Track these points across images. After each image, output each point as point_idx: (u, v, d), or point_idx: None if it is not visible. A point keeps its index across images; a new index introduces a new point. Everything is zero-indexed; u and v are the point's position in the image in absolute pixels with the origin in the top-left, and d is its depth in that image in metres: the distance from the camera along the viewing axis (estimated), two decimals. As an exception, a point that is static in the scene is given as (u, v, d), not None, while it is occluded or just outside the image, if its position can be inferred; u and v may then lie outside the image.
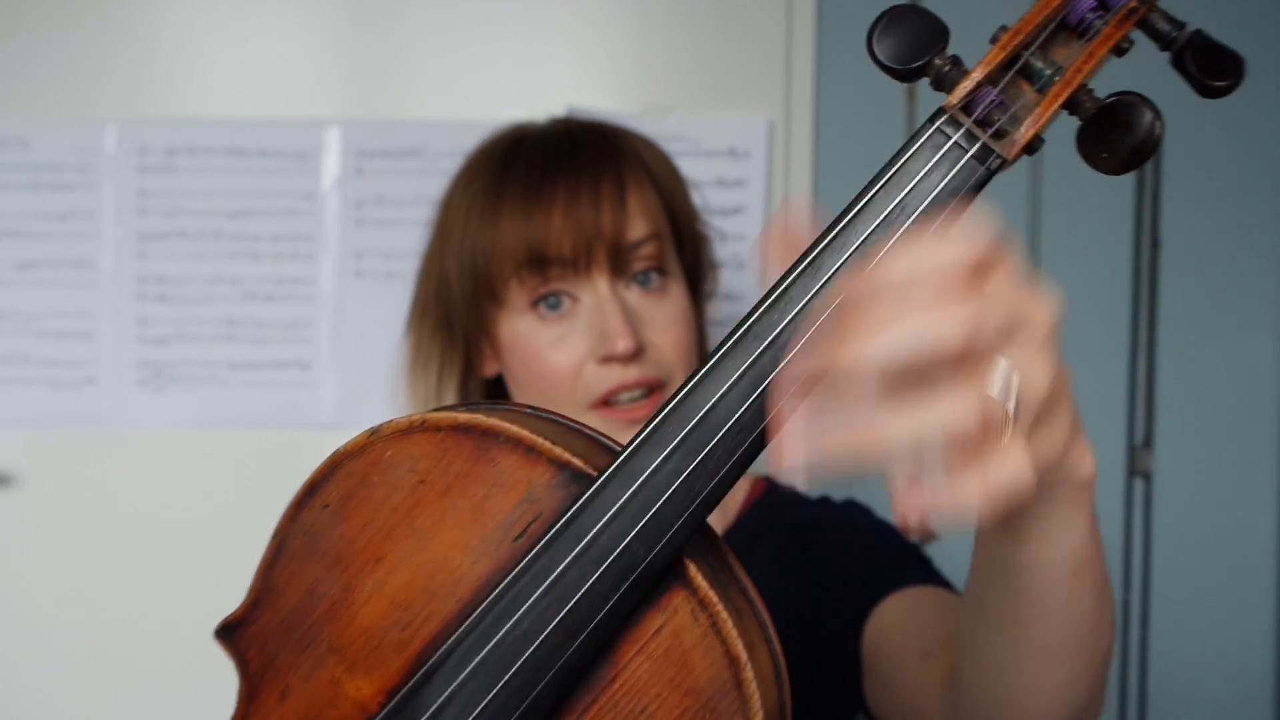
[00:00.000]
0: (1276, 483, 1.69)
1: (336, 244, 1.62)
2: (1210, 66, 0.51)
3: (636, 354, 0.98)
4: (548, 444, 0.55)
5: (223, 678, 1.62)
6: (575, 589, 0.54)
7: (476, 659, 0.55)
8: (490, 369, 1.07)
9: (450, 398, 1.07)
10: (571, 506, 0.54)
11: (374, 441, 0.58)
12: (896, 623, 0.85)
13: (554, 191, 0.99)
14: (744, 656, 0.53)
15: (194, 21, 1.61)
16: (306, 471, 1.72)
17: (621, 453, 0.54)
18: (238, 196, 1.61)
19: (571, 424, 0.61)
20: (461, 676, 0.55)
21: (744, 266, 1.61)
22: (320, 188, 1.62)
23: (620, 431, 0.96)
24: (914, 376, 0.41)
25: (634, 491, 0.53)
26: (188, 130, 1.60)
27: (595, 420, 0.98)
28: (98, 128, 1.60)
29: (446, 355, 1.07)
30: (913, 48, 0.50)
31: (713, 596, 0.53)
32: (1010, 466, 0.43)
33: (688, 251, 1.08)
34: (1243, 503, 1.69)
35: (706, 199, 1.66)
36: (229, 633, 0.64)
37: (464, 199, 1.04)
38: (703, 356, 1.08)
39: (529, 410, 0.57)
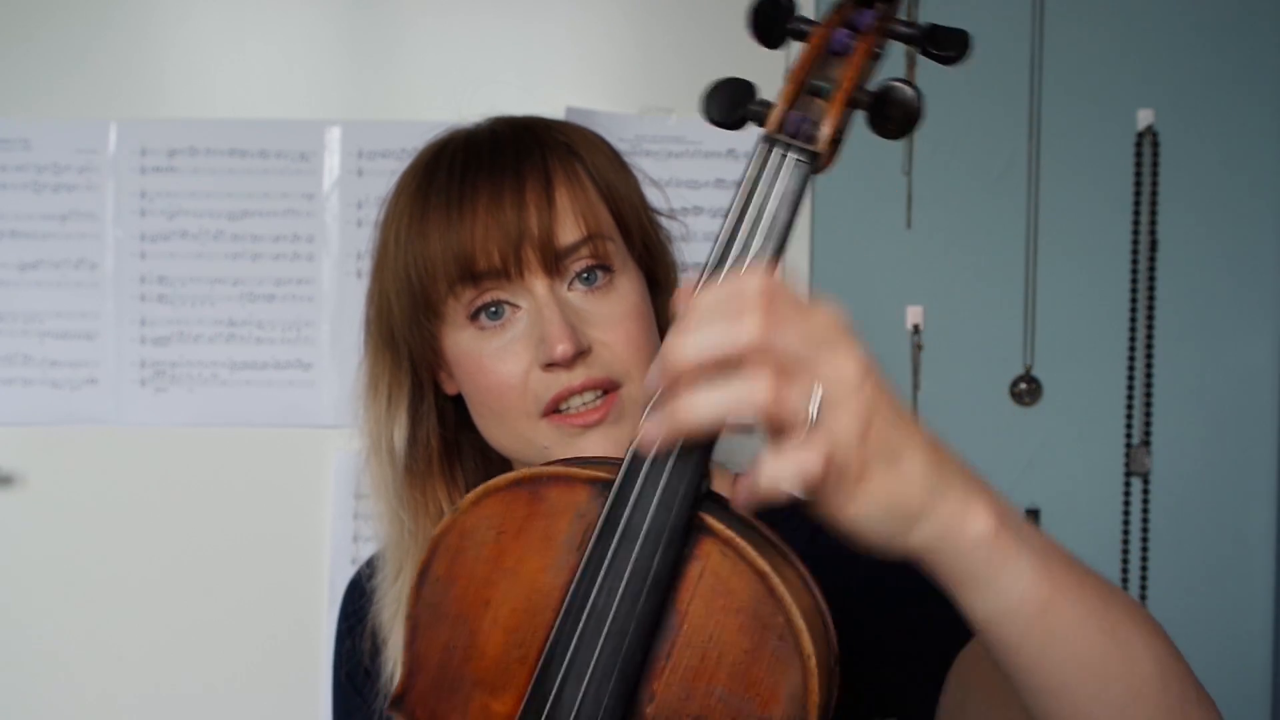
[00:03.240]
0: (1274, 482, 1.69)
1: (337, 244, 1.62)
2: (944, 44, 0.66)
3: (579, 357, 0.93)
4: (577, 470, 0.70)
5: (221, 676, 1.63)
6: (626, 563, 0.66)
7: (574, 642, 0.68)
8: (451, 387, 1.02)
9: (400, 421, 1.03)
10: (605, 506, 0.67)
11: (456, 518, 0.73)
12: (996, 673, 0.84)
13: (475, 196, 0.94)
14: (768, 569, 0.65)
15: (195, 23, 1.61)
16: (306, 471, 1.72)
17: (628, 455, 0.66)
18: (239, 197, 1.61)
19: (588, 458, 0.77)
20: (568, 659, 0.68)
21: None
22: (321, 188, 1.62)
23: (573, 438, 0.93)
24: (719, 369, 0.58)
25: (644, 476, 0.66)
26: (189, 131, 1.61)
27: (546, 430, 0.94)
28: (99, 128, 1.61)
29: (394, 378, 1.03)
30: (731, 105, 0.67)
31: (730, 534, 0.66)
32: (795, 458, 0.57)
33: (636, 246, 1.01)
34: (1240, 502, 1.70)
35: (706, 198, 1.67)
36: (399, 703, 0.76)
37: (395, 211, 1.00)
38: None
39: (560, 460, 0.74)
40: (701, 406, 0.58)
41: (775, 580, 0.65)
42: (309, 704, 1.61)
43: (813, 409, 0.57)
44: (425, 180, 0.98)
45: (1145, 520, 1.69)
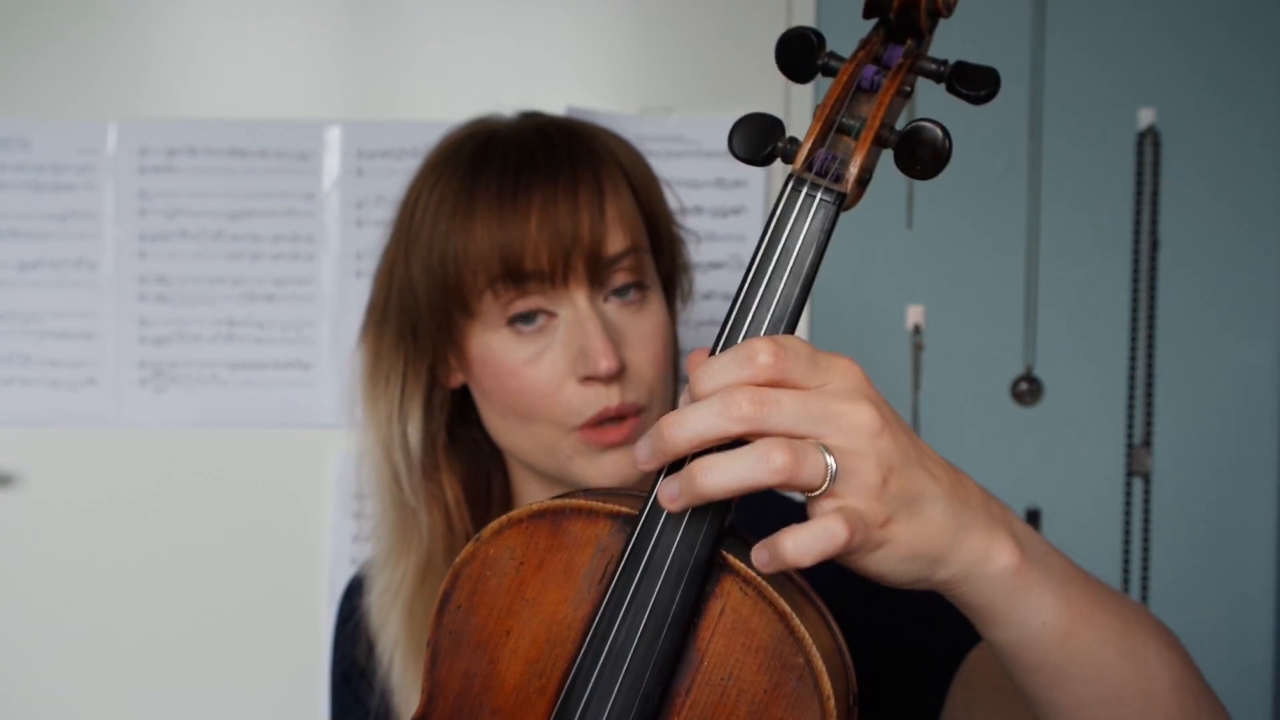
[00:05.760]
0: (1275, 483, 1.69)
1: (337, 244, 1.62)
2: (973, 83, 0.66)
3: (619, 373, 0.94)
4: (600, 504, 0.71)
5: (221, 677, 1.63)
6: (649, 598, 0.67)
7: (594, 675, 0.68)
8: (455, 381, 1.02)
9: (415, 414, 1.02)
10: (629, 542, 0.67)
11: (479, 547, 0.73)
12: (1003, 682, 0.84)
13: (529, 197, 0.94)
14: (788, 609, 0.65)
15: (195, 22, 1.61)
16: (306, 471, 1.72)
17: (652, 491, 0.66)
18: (238, 197, 1.61)
19: (609, 490, 0.78)
20: (588, 692, 0.69)
21: (744, 266, 1.61)
22: (321, 188, 1.62)
23: (596, 454, 0.95)
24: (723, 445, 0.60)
25: (667, 514, 0.66)
26: (188, 131, 1.61)
27: (574, 441, 0.95)
28: (98, 128, 1.61)
29: (410, 369, 1.01)
30: (759, 142, 0.66)
31: (751, 572, 0.66)
32: (820, 527, 0.58)
33: (665, 258, 1.03)
34: (1242, 502, 1.69)
35: (706, 198, 1.67)
36: None
37: (430, 201, 0.98)
38: (676, 362, 1.06)
39: (580, 492, 0.75)
40: (718, 477, 0.59)
41: (796, 621, 0.66)
42: (308, 705, 1.61)
43: (830, 469, 0.59)
44: (471, 172, 0.97)
45: (1146, 521, 1.69)
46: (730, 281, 1.61)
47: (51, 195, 1.61)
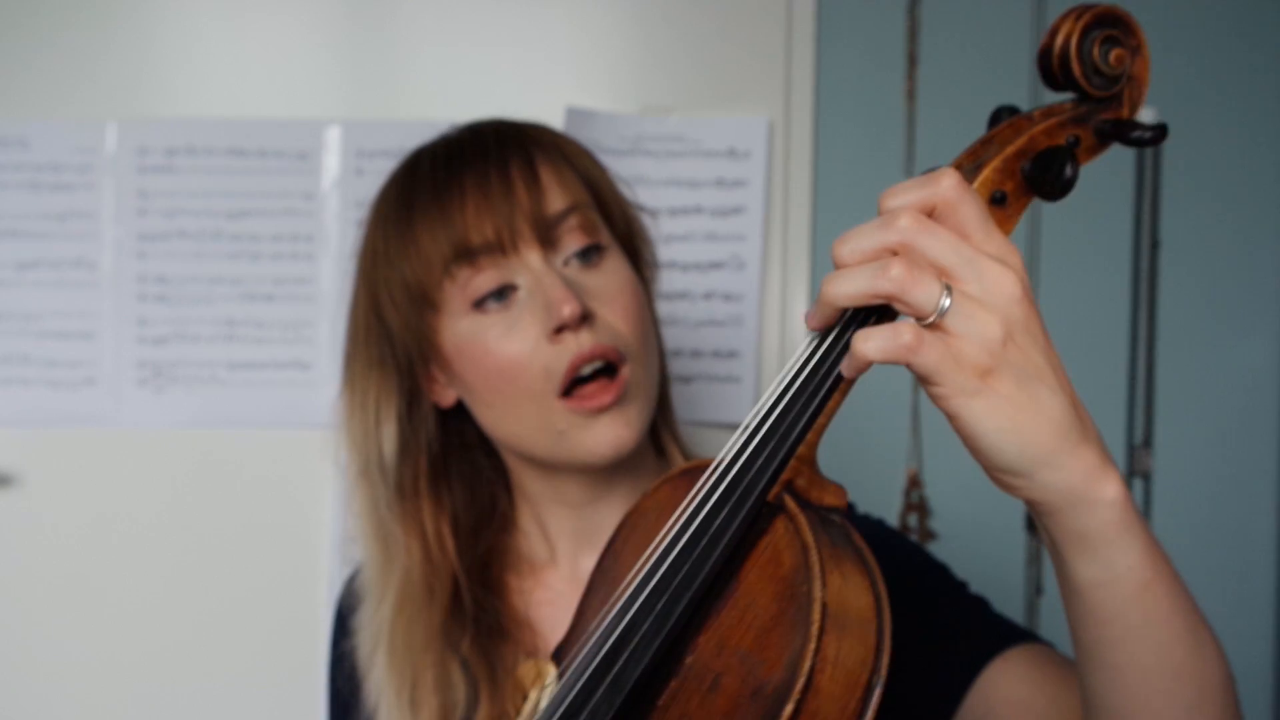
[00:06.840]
0: (1276, 483, 1.69)
1: (336, 244, 1.62)
2: (1140, 137, 0.73)
3: (585, 320, 0.94)
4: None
5: (220, 677, 1.62)
6: (693, 522, 0.71)
7: (643, 574, 0.72)
8: (448, 397, 1.01)
9: (389, 428, 1.01)
10: (706, 481, 0.72)
11: (642, 500, 0.83)
12: (1021, 697, 0.84)
13: (461, 181, 0.96)
14: (812, 543, 0.67)
15: (194, 21, 1.61)
16: (306, 471, 1.72)
17: (737, 452, 0.71)
18: (237, 196, 1.61)
19: None
20: (632, 589, 0.72)
21: (744, 266, 1.61)
22: (320, 188, 1.62)
23: (588, 421, 0.94)
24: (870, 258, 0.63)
25: (745, 444, 0.70)
26: (187, 130, 1.60)
27: (563, 412, 0.94)
28: (97, 128, 1.60)
29: (383, 386, 1.01)
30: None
31: (796, 509, 0.69)
32: (890, 329, 0.61)
33: (619, 225, 1.03)
34: (1242, 503, 1.69)
35: (707, 198, 1.67)
36: (559, 652, 0.83)
37: (378, 229, 1.01)
38: (656, 342, 1.05)
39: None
40: (842, 286, 0.63)
41: (814, 554, 0.66)
42: (308, 707, 1.61)
43: (942, 303, 0.61)
44: (406, 185, 1.00)
45: (1147, 521, 1.69)
46: (731, 281, 1.61)
47: (50, 195, 1.61)
